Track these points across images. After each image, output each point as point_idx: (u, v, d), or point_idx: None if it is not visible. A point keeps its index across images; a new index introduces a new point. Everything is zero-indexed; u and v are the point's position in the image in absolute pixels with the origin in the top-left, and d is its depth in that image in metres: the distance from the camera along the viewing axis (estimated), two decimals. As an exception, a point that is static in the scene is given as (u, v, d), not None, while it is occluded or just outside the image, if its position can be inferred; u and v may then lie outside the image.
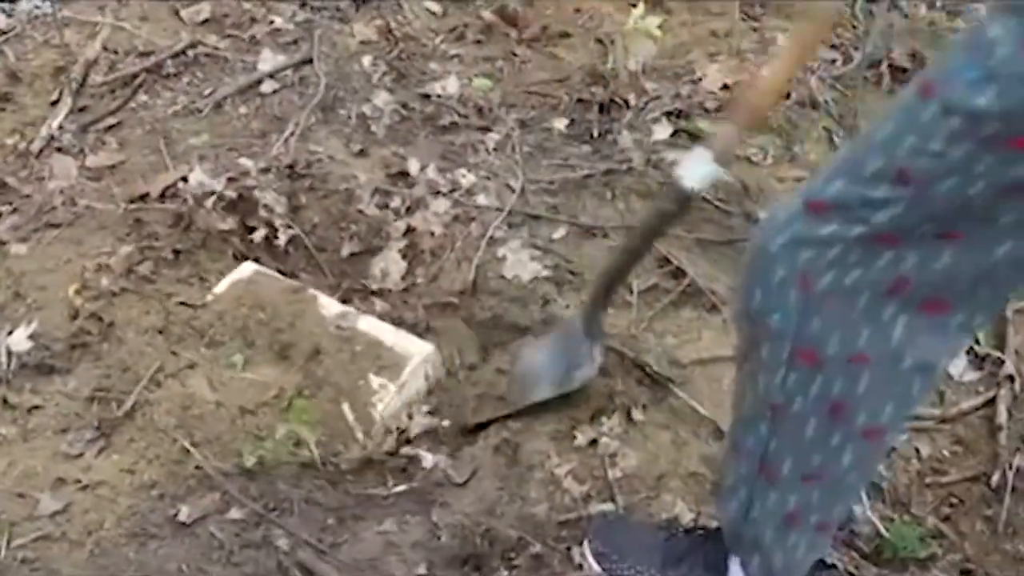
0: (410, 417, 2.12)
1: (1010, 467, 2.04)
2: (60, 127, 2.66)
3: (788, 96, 2.83)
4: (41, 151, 2.60)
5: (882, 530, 1.93)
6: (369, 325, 2.19)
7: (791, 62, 1.79)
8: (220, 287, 2.24)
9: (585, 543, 1.86)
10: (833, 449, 1.49)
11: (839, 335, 1.41)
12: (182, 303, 2.22)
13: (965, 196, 1.25)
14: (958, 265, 1.33)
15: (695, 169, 1.75)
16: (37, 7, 3.07)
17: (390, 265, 2.36)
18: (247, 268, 2.28)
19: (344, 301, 2.29)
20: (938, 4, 3.29)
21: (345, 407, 2.06)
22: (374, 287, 2.35)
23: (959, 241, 1.32)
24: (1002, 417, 2.12)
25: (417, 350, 2.16)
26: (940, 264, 1.33)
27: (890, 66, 2.98)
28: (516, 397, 2.13)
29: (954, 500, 2.02)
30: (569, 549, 1.87)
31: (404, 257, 2.37)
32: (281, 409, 2.05)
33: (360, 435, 2.04)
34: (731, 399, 1.66)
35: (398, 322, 2.26)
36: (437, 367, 2.19)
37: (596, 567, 1.84)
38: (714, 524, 1.79)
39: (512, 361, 2.21)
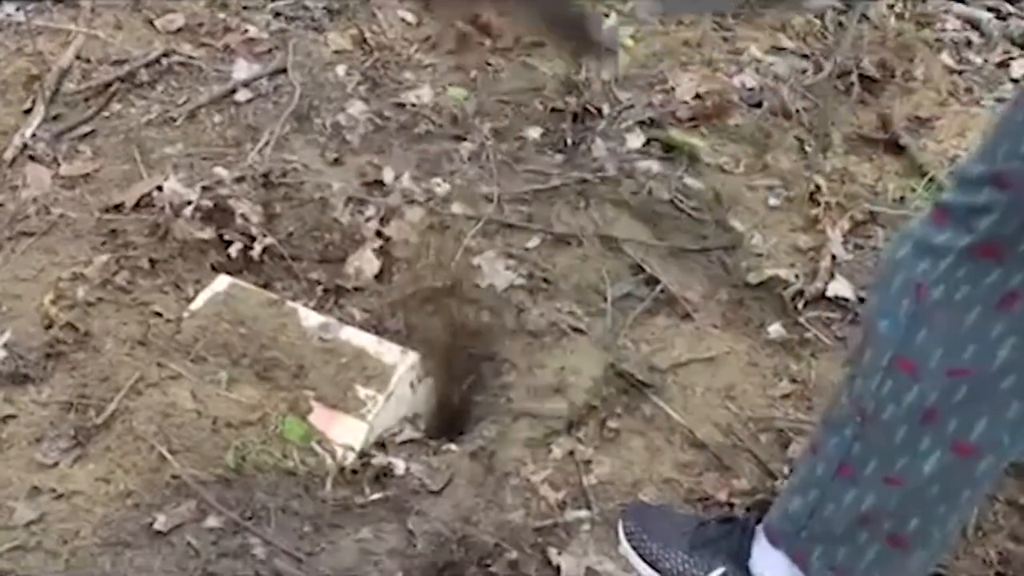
0: (401, 429, 2.14)
1: (980, 472, 2.06)
2: (33, 136, 2.65)
3: (760, 105, 2.86)
4: (14, 160, 2.59)
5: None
6: (351, 335, 2.20)
7: None
8: (198, 301, 2.23)
9: (619, 523, 1.91)
10: (920, 453, 1.49)
11: (944, 348, 1.43)
12: (159, 314, 2.22)
13: None
14: None
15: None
16: (9, 15, 3.05)
17: (364, 264, 2.37)
18: (223, 281, 2.28)
19: (320, 306, 2.30)
20: (907, 16, 3.33)
21: (333, 421, 2.07)
22: (348, 286, 2.36)
23: None
24: None
25: (402, 359, 2.17)
26: None
27: (860, 76, 3.02)
28: None
29: (925, 505, 2.04)
30: (545, 554, 1.88)
31: (379, 259, 2.38)
32: (265, 427, 2.05)
33: (342, 450, 2.05)
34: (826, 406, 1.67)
35: (379, 330, 2.27)
36: (421, 375, 2.20)
37: (625, 543, 1.88)
38: (745, 516, 1.82)
39: None
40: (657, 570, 1.85)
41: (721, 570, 1.79)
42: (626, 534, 1.90)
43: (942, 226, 1.41)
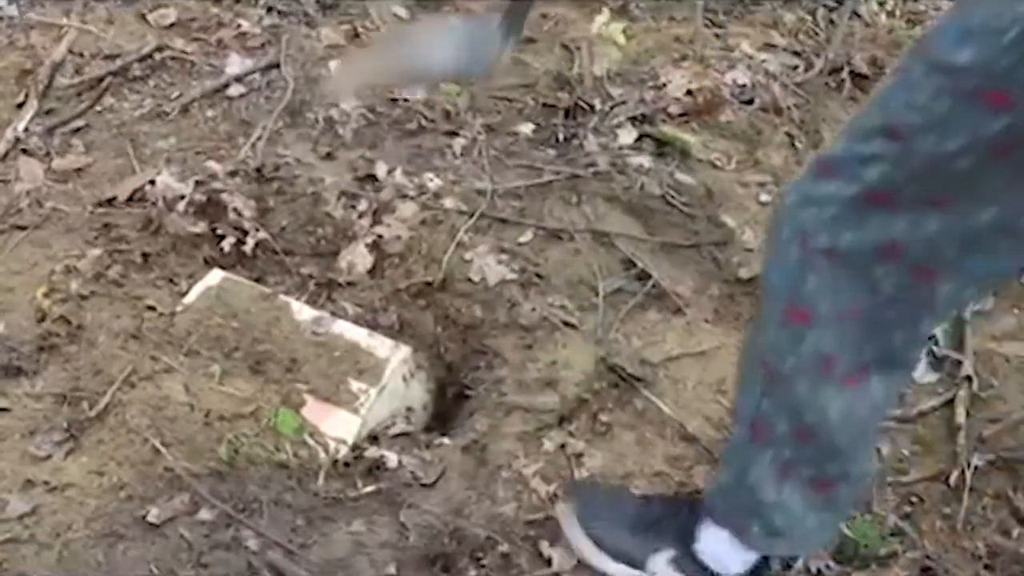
0: (393, 422, 2.15)
1: (968, 466, 2.08)
2: (26, 130, 2.65)
3: (751, 101, 2.87)
4: (7, 154, 2.59)
5: (844, 528, 1.95)
6: (344, 329, 2.21)
7: None
8: (191, 295, 2.24)
9: (559, 503, 1.90)
10: (822, 405, 1.53)
11: (831, 294, 1.46)
12: (152, 307, 2.22)
13: (946, 153, 1.30)
14: (946, 231, 1.38)
15: None
16: (1, 9, 3.04)
17: (356, 258, 2.38)
18: (216, 275, 2.28)
19: (313, 301, 2.31)
20: (898, 13, 3.34)
21: (326, 414, 2.08)
22: (341, 280, 2.36)
23: (946, 208, 1.36)
24: (960, 418, 2.16)
25: (395, 353, 2.18)
26: (928, 229, 1.38)
27: (851, 72, 3.03)
28: (395, 70, 1.84)
29: (914, 499, 2.06)
30: (537, 547, 1.89)
31: (372, 254, 2.38)
32: (258, 421, 2.06)
33: (335, 443, 2.05)
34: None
35: (372, 324, 2.28)
36: (414, 369, 2.21)
37: (567, 522, 1.88)
38: (690, 497, 1.83)
39: (396, 36, 2.06)
40: (600, 548, 1.85)
41: (670, 553, 1.80)
42: (567, 513, 1.88)
43: (828, 177, 1.43)
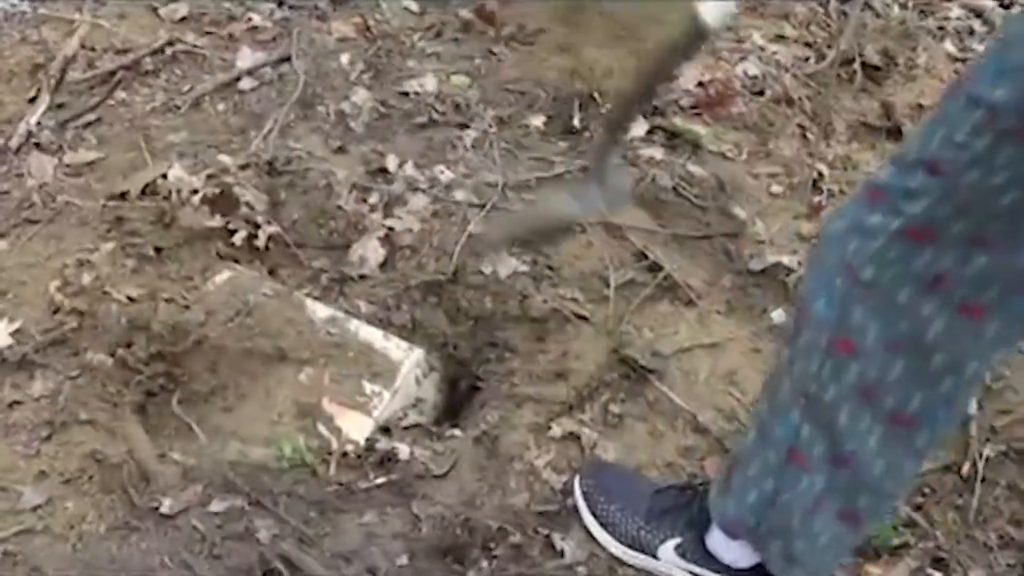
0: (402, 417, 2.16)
1: (980, 457, 2.08)
2: (38, 124, 2.66)
3: (763, 93, 2.87)
4: (19, 148, 2.60)
5: (856, 519, 1.96)
6: (358, 328, 2.22)
7: None
8: (206, 289, 2.25)
9: (576, 480, 1.91)
10: (862, 432, 1.53)
11: (878, 326, 1.45)
12: (166, 301, 2.23)
13: (989, 189, 1.30)
14: (991, 270, 1.37)
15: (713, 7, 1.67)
16: (14, 5, 3.05)
17: (368, 251, 2.38)
18: (230, 270, 2.29)
19: (325, 295, 2.31)
20: (910, 4, 3.33)
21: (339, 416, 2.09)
22: (353, 274, 2.37)
23: (991, 247, 1.36)
24: (972, 408, 2.16)
25: (408, 355, 2.19)
26: (975, 267, 1.37)
27: (862, 64, 3.02)
28: (533, 224, 2.06)
29: (926, 490, 2.05)
30: (549, 538, 1.90)
31: (383, 247, 2.39)
32: (271, 421, 2.07)
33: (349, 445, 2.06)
34: (764, 389, 1.69)
35: (385, 323, 2.28)
36: (427, 370, 2.21)
37: (581, 502, 1.89)
38: (703, 486, 1.83)
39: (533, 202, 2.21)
40: (611, 533, 1.86)
41: (676, 540, 1.81)
42: (582, 492, 1.90)
43: (875, 207, 1.42)
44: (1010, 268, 1.38)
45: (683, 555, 1.81)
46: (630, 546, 1.85)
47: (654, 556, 1.83)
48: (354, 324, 2.23)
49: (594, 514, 1.88)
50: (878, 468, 1.56)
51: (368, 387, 2.12)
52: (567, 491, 1.96)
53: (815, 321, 1.50)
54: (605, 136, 1.85)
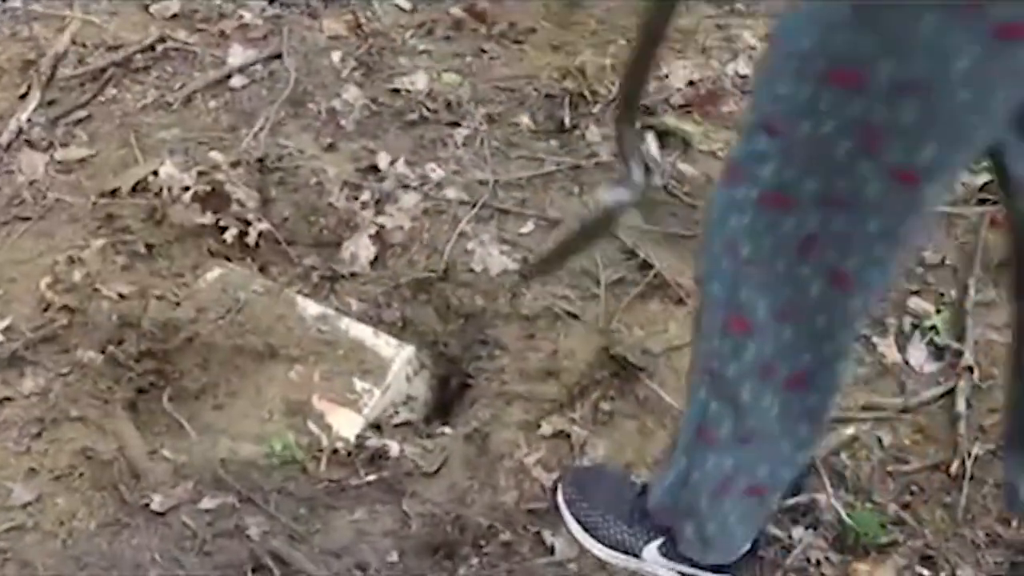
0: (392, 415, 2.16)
1: (969, 456, 2.08)
2: (29, 120, 2.66)
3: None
4: (10, 144, 2.60)
5: (844, 517, 1.97)
6: (349, 326, 2.22)
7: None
8: (197, 286, 2.25)
9: (557, 488, 1.92)
10: (764, 408, 1.55)
11: (766, 301, 1.46)
12: (157, 298, 2.23)
13: (822, 140, 1.30)
14: (850, 234, 1.37)
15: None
16: (4, 1, 3.06)
17: (359, 249, 2.38)
18: (221, 267, 2.29)
19: (316, 293, 2.31)
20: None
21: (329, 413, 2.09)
22: (344, 272, 2.37)
23: (846, 208, 1.35)
24: (961, 407, 2.16)
25: (399, 353, 2.19)
26: (835, 228, 1.37)
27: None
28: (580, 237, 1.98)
29: (915, 488, 2.06)
30: (539, 535, 1.90)
31: (374, 244, 2.39)
32: (261, 411, 2.07)
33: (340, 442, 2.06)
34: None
35: (375, 320, 2.29)
36: (417, 368, 2.22)
37: (565, 511, 1.90)
38: None
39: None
40: (595, 538, 1.87)
41: (659, 540, 1.82)
42: (565, 500, 1.91)
43: (736, 181, 1.43)
44: (864, 234, 1.37)
45: (667, 555, 1.82)
46: (615, 548, 1.85)
47: (639, 557, 1.84)
48: (344, 322, 2.23)
49: (577, 520, 1.88)
50: (778, 436, 1.59)
51: (358, 385, 2.13)
52: (554, 486, 1.97)
53: (711, 302, 1.53)
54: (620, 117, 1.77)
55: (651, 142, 2.09)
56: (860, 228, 1.36)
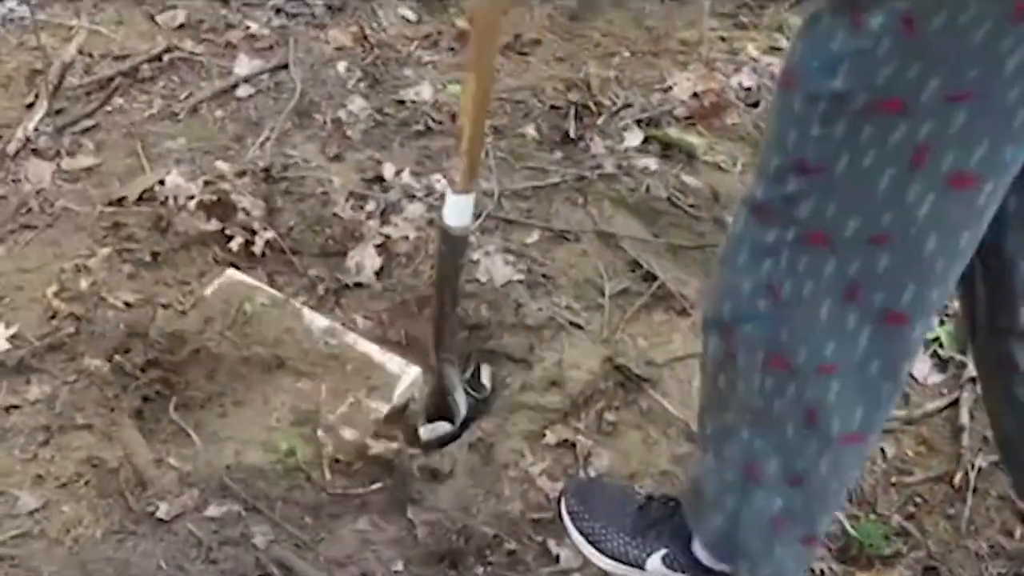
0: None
1: (972, 467, 2.09)
2: (36, 129, 2.66)
3: (757, 104, 2.88)
4: (17, 153, 2.60)
5: (848, 528, 1.97)
6: (356, 341, 2.22)
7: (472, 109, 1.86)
8: (203, 295, 2.25)
9: (560, 501, 1.92)
10: (811, 455, 1.52)
11: (808, 346, 1.43)
12: (163, 307, 2.24)
13: (864, 173, 1.29)
14: (897, 268, 1.35)
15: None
16: (12, 10, 3.07)
17: (364, 259, 2.39)
18: (228, 276, 2.30)
19: (322, 304, 2.32)
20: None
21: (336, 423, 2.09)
22: (349, 282, 2.38)
23: (891, 243, 1.34)
24: (964, 419, 2.17)
25: (406, 372, 2.19)
26: (881, 267, 1.35)
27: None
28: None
29: (918, 499, 2.07)
30: (544, 544, 1.91)
31: (380, 255, 2.40)
32: (268, 427, 2.08)
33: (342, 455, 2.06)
34: (698, 412, 1.69)
35: (380, 339, 2.29)
36: (423, 387, 2.21)
37: (568, 523, 1.89)
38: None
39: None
40: (599, 550, 1.86)
41: (663, 552, 1.81)
42: (568, 513, 1.90)
43: (766, 224, 1.40)
44: (918, 263, 1.35)
45: (671, 565, 1.81)
46: (618, 560, 1.85)
47: (643, 569, 1.84)
48: (352, 336, 2.23)
49: (581, 531, 1.88)
50: (832, 487, 1.58)
51: (365, 403, 2.13)
52: (559, 499, 1.97)
53: (747, 342, 1.48)
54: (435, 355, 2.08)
55: (483, 369, 2.22)
56: (915, 255, 1.34)
